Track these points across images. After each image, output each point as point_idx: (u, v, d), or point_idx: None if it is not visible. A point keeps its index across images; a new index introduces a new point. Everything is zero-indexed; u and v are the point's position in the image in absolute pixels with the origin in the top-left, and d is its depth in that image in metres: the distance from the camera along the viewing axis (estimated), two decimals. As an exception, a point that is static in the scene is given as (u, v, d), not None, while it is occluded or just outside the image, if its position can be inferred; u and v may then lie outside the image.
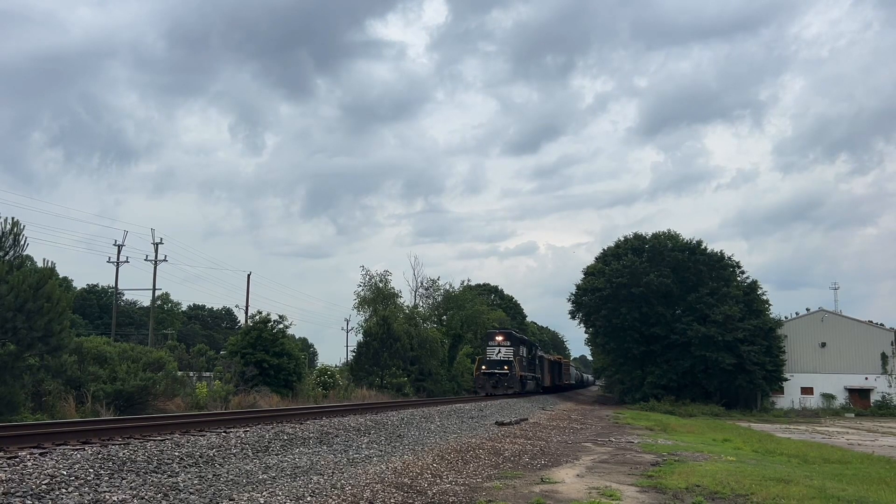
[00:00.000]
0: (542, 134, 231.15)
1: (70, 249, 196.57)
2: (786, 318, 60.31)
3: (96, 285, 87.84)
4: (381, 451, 14.27)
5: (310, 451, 13.24)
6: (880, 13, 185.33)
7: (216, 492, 8.82)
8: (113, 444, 10.84)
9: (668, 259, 55.16)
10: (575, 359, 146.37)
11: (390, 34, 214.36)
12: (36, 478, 8.06)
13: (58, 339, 17.75)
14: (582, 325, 61.08)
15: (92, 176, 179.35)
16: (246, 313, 53.84)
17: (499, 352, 43.09)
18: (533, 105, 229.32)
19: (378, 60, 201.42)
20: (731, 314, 51.92)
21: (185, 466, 10.19)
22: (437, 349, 49.32)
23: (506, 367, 42.42)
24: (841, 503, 10.43)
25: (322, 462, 11.93)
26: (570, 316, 60.52)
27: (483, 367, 43.53)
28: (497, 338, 43.84)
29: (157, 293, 65.96)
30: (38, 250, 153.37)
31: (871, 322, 61.34)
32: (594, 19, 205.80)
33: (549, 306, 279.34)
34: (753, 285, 57.13)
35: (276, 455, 12.28)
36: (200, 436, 12.83)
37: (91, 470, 8.85)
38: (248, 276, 56.92)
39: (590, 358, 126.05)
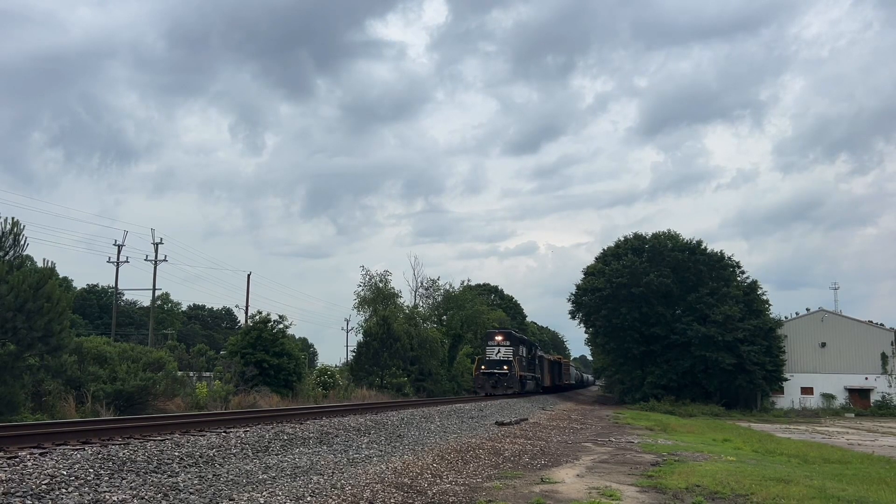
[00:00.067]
0: (542, 134, 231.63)
1: (70, 249, 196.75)
2: (786, 318, 60.32)
3: (96, 285, 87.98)
4: (381, 451, 14.26)
5: (310, 451, 13.24)
6: (880, 13, 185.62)
7: (216, 492, 8.82)
8: (113, 444, 10.84)
9: (668, 259, 55.16)
10: (575, 359, 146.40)
11: (390, 34, 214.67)
12: (36, 478, 8.06)
13: (58, 339, 17.76)
14: (582, 325, 61.19)
15: (92, 176, 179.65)
16: (246, 313, 53.94)
17: (498, 352, 43.06)
18: (533, 105, 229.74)
19: (378, 60, 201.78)
20: (731, 314, 51.92)
21: (185, 466, 10.19)
22: (437, 349, 49.32)
23: (505, 367, 42.40)
24: (841, 503, 10.43)
25: (322, 462, 11.93)
26: (570, 316, 60.72)
27: (483, 367, 43.49)
28: (497, 338, 43.81)
29: (157, 293, 66.08)
30: (38, 250, 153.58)
31: (871, 322, 61.36)
32: (594, 19, 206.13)
33: (549, 306, 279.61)
34: (753, 285, 57.14)
35: (276, 455, 12.27)
36: (200, 436, 12.83)
37: (91, 470, 8.85)
38: (248, 276, 57.07)
39: (590, 358, 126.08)
